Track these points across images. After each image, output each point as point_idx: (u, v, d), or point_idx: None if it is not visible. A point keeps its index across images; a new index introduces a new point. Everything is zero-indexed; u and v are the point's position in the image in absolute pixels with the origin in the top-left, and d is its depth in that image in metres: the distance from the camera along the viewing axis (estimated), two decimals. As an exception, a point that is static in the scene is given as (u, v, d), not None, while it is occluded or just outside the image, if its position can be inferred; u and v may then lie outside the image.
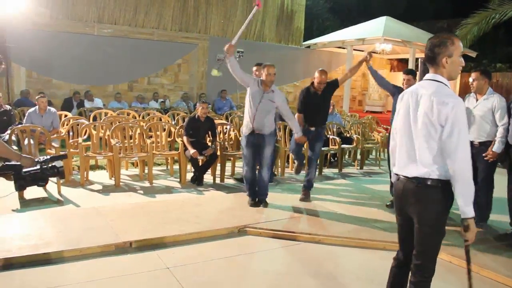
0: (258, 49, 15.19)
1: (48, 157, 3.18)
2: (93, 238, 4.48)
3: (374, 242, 4.84)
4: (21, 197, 5.75)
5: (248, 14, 15.96)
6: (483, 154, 5.18)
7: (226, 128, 8.19)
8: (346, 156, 9.97)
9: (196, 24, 14.66)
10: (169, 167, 8.00)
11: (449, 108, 2.56)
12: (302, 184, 6.58)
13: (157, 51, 13.60)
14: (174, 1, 14.06)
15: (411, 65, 15.81)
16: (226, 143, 7.97)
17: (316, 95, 6.34)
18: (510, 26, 17.69)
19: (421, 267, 2.77)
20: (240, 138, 7.05)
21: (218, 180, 7.33)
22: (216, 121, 8.10)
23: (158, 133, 7.76)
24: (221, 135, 8.01)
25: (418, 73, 7.16)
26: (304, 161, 6.77)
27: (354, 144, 9.25)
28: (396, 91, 6.07)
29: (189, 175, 7.27)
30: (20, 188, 3.15)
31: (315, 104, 6.36)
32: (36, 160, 3.13)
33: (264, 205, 5.97)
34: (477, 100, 5.31)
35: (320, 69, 6.39)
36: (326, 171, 8.69)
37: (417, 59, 15.15)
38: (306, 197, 6.39)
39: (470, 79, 5.31)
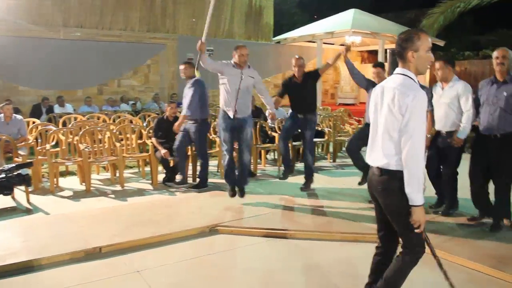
0: (227, 46, 15.05)
1: (14, 165, 3.14)
2: (62, 245, 4.41)
3: (347, 234, 4.85)
4: (-13, 208, 5.64)
5: (215, 11, 16.00)
6: (448, 140, 5.23)
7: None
8: (319, 150, 10.05)
9: (164, 24, 14.58)
10: (140, 169, 7.93)
11: (409, 99, 2.65)
12: (275, 180, 6.58)
13: (126, 52, 13.49)
14: (141, 2, 13.95)
15: (380, 56, 15.99)
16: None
17: (297, 84, 6.51)
18: (477, 15, 18.01)
19: (404, 247, 2.89)
20: (217, 129, 7.01)
21: (190, 180, 7.28)
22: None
23: (128, 135, 7.69)
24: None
25: (387, 64, 7.23)
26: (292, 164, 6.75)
27: (326, 138, 9.32)
28: (370, 85, 6.12)
29: (161, 176, 7.22)
30: None
31: (297, 92, 6.51)
32: (0, 168, 3.09)
33: (241, 195, 5.93)
34: (443, 88, 5.36)
35: (296, 55, 6.62)
36: (299, 165, 8.70)
37: (386, 50, 15.33)
38: (306, 187, 6.55)
39: (436, 66, 5.34)
